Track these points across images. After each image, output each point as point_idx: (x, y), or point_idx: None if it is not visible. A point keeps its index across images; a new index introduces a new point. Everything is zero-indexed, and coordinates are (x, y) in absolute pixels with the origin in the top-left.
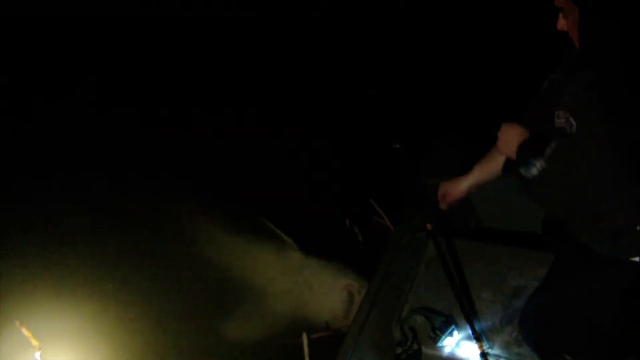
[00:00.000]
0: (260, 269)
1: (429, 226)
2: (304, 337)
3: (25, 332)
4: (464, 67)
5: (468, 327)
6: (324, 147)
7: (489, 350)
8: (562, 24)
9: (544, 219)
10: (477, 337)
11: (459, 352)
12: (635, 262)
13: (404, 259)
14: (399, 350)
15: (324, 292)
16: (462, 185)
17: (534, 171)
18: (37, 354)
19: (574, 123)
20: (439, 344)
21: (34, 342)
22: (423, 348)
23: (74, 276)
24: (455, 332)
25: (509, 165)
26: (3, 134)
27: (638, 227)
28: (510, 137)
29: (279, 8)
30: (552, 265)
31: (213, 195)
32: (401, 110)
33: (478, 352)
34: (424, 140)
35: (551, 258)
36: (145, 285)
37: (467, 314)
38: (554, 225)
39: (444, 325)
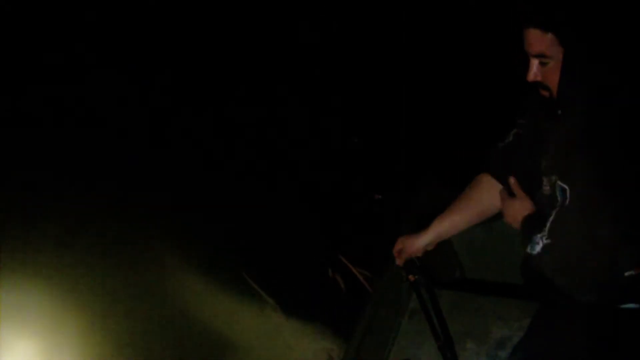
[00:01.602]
0: (241, 328)
1: (411, 277)
2: None
3: None
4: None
5: None
6: (308, 198)
7: None
8: (534, 74)
9: (523, 268)
10: None
11: None
12: (628, 310)
13: (387, 311)
14: None
15: (303, 355)
16: (419, 241)
17: (538, 248)
18: None
19: (566, 188)
20: None
21: None
22: None
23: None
24: None
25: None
26: None
27: (626, 273)
28: (518, 212)
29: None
30: (536, 314)
31: (194, 247)
32: (384, 157)
33: None
34: (408, 189)
35: (535, 307)
36: (117, 331)
37: None
38: (533, 274)
39: None
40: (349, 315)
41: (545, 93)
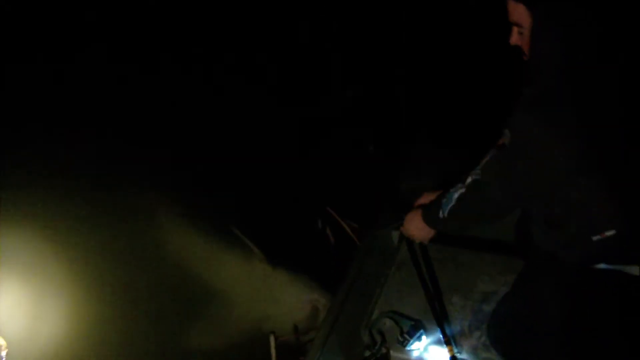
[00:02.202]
0: (227, 276)
1: (402, 229)
2: (271, 338)
3: None
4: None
5: (437, 331)
6: (300, 150)
7: (457, 355)
8: (515, 38)
9: (516, 224)
10: (446, 342)
11: (427, 356)
12: (598, 270)
13: (375, 262)
14: (367, 353)
15: (289, 306)
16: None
17: (468, 181)
18: (4, 353)
19: (508, 134)
20: (407, 348)
21: (1, 340)
22: (391, 352)
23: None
24: (424, 337)
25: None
26: None
27: (594, 238)
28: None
29: None
30: (521, 270)
31: (184, 195)
32: (378, 111)
33: (446, 356)
34: (403, 142)
35: (521, 264)
36: (106, 279)
37: (436, 318)
38: (522, 230)
39: (413, 330)
40: (337, 268)
41: (525, 57)
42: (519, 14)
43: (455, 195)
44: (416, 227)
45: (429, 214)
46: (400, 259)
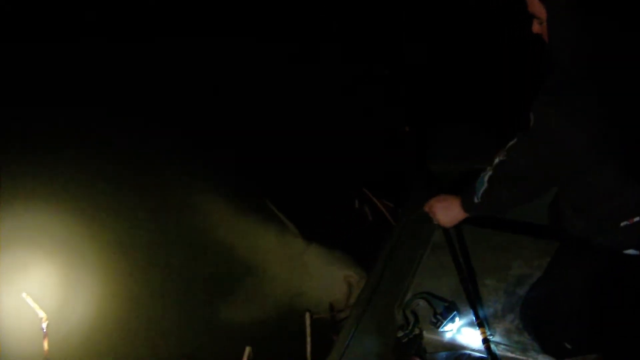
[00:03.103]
0: (262, 251)
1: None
2: (307, 316)
3: (32, 303)
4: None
5: (470, 313)
6: (336, 130)
7: (490, 337)
8: (536, 28)
9: (549, 207)
10: (479, 324)
11: (460, 338)
12: (629, 255)
13: (409, 243)
14: (400, 333)
15: (323, 282)
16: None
17: (496, 161)
18: (44, 324)
19: (532, 118)
20: (441, 329)
21: (41, 313)
22: (424, 333)
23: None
24: (457, 318)
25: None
26: None
27: (621, 224)
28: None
29: None
30: (554, 254)
31: (220, 171)
32: (413, 91)
33: (479, 338)
34: (434, 124)
35: (555, 248)
36: (145, 253)
37: (470, 300)
38: (555, 214)
39: (446, 311)
40: (371, 245)
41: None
42: (535, 5)
43: (486, 178)
44: (444, 214)
45: (466, 200)
46: (435, 240)
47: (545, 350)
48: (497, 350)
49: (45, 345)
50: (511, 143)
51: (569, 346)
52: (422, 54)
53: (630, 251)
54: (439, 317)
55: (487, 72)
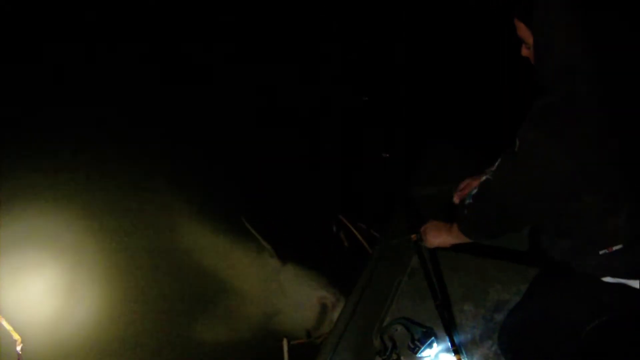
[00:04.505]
0: (238, 271)
1: (414, 237)
2: (285, 342)
3: (6, 325)
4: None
5: (448, 339)
6: (316, 152)
7: None
8: (525, 52)
9: (529, 231)
10: (456, 350)
11: None
12: (607, 283)
13: (388, 268)
14: (377, 359)
15: (298, 302)
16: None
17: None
18: (19, 348)
19: (517, 142)
20: (418, 355)
21: (15, 336)
22: (402, 358)
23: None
24: (435, 344)
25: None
26: None
27: (600, 252)
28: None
29: None
30: (533, 280)
31: (196, 189)
32: (392, 116)
33: None
34: (415, 148)
35: (535, 273)
36: (118, 271)
37: (447, 326)
38: (535, 239)
39: (424, 337)
40: (346, 267)
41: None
42: (522, 30)
43: (472, 193)
44: (433, 236)
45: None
46: (413, 265)
47: None
48: None
49: None
50: (497, 163)
51: None
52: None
53: (608, 279)
54: (416, 342)
55: (476, 89)
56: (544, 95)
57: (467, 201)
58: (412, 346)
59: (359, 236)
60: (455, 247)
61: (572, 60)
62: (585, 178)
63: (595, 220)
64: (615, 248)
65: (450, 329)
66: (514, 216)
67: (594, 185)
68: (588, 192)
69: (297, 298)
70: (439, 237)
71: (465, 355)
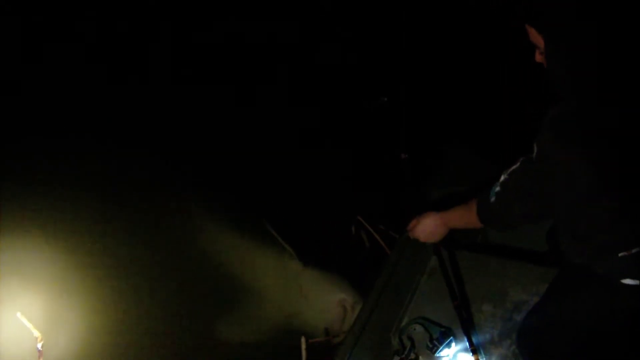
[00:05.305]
0: (259, 273)
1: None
2: (303, 340)
3: (26, 322)
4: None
5: (466, 339)
6: (335, 155)
7: None
8: (538, 57)
9: (548, 234)
10: (474, 350)
11: None
12: (627, 284)
13: (407, 268)
14: (396, 358)
15: (318, 304)
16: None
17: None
18: (39, 345)
19: (535, 149)
20: (436, 355)
21: (36, 333)
22: (420, 358)
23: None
24: (453, 344)
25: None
26: None
27: (620, 254)
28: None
29: None
30: (553, 280)
31: (219, 193)
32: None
33: None
34: (432, 150)
35: (554, 274)
36: (142, 278)
37: (465, 326)
38: (554, 241)
39: (442, 337)
40: (366, 270)
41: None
42: (534, 35)
43: (500, 180)
44: (421, 230)
45: (482, 200)
46: (431, 266)
47: None
48: None
49: None
50: (513, 167)
51: None
52: (422, 72)
53: (628, 280)
54: (435, 342)
55: (488, 90)
56: (559, 101)
57: (497, 188)
58: (430, 346)
59: (377, 237)
60: (474, 248)
61: (585, 66)
62: (604, 184)
63: (614, 224)
64: (634, 250)
65: (468, 329)
66: (526, 220)
67: (613, 190)
68: (607, 197)
69: (317, 300)
70: (426, 229)
71: (483, 355)
